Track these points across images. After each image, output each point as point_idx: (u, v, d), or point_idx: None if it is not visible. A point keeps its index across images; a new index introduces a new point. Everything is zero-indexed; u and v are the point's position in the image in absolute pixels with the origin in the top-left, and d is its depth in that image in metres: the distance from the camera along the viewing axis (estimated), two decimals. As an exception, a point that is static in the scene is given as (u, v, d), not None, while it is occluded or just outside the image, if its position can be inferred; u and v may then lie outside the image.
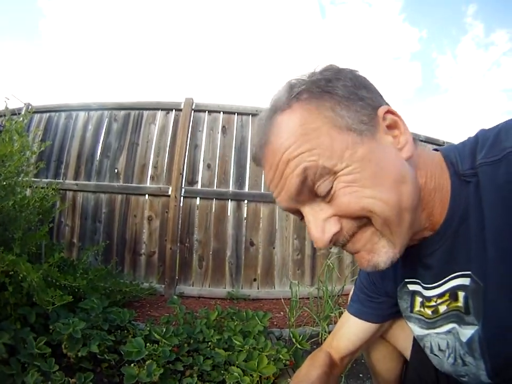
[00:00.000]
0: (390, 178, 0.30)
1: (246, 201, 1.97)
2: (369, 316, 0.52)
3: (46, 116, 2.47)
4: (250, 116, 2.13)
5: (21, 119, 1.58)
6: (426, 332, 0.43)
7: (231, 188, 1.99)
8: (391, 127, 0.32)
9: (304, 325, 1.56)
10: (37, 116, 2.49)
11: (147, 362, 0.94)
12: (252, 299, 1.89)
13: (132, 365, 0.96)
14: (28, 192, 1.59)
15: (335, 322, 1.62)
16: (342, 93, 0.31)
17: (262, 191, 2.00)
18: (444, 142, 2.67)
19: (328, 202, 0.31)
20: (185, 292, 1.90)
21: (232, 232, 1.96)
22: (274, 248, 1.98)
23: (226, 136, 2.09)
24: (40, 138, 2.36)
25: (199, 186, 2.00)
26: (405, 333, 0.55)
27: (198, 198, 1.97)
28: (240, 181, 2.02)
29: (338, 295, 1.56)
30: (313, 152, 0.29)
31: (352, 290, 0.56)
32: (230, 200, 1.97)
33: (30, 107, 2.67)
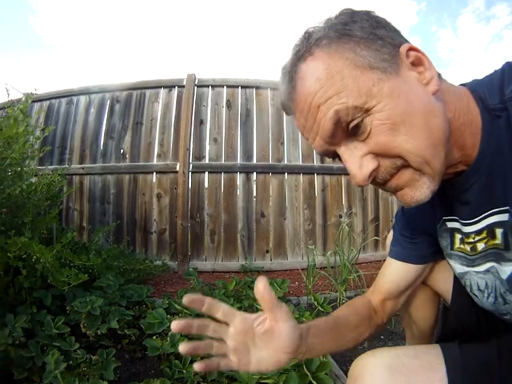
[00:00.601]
0: (420, 113, 0.29)
1: (254, 173, 1.89)
2: (409, 257, 0.50)
3: (46, 103, 2.37)
4: (255, 88, 2.04)
5: (22, 106, 1.51)
6: (467, 269, 0.42)
7: (239, 161, 1.92)
8: (415, 64, 0.31)
9: (321, 292, 1.52)
10: (37, 105, 2.39)
11: (170, 333, 0.88)
12: (265, 271, 1.83)
13: (154, 337, 0.91)
14: (34, 180, 1.53)
15: (354, 287, 1.60)
16: (360, 34, 0.30)
17: (271, 162, 1.93)
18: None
19: (363, 141, 0.30)
20: (198, 267, 1.84)
21: (242, 205, 1.89)
22: (285, 219, 1.91)
23: (231, 110, 2.00)
24: (42, 126, 2.28)
25: (206, 160, 1.91)
26: (445, 276, 0.53)
27: (206, 173, 1.89)
28: (247, 154, 1.94)
29: (353, 264, 1.50)
30: (342, 95, 0.29)
31: (391, 235, 0.54)
32: (238, 172, 1.89)
33: (29, 112, 2.57)
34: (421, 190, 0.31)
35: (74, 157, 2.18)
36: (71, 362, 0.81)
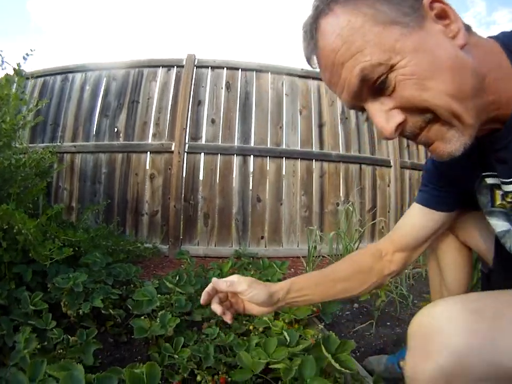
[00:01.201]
0: (447, 68, 0.28)
1: (252, 157, 1.78)
2: (435, 203, 0.48)
3: (40, 80, 2.23)
4: (255, 72, 1.93)
5: (16, 68, 1.39)
6: (509, 226, 0.39)
7: (237, 143, 1.81)
8: (440, 16, 0.30)
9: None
10: (31, 82, 2.26)
11: (160, 313, 0.76)
12: (259, 257, 1.73)
13: (143, 317, 0.78)
14: (24, 157, 1.41)
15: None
16: None
17: (269, 146, 1.83)
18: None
19: (389, 96, 0.30)
20: (190, 251, 1.71)
21: (238, 188, 1.77)
22: (281, 204, 1.80)
23: (230, 92, 1.89)
24: (37, 107, 2.15)
25: (203, 141, 1.79)
26: (483, 235, 0.51)
27: (202, 154, 1.77)
28: (245, 137, 1.83)
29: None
30: (365, 52, 0.28)
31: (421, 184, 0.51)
32: (235, 155, 1.78)
33: (24, 73, 2.45)
34: (451, 143, 0.30)
35: (67, 135, 2.04)
36: (46, 343, 0.69)
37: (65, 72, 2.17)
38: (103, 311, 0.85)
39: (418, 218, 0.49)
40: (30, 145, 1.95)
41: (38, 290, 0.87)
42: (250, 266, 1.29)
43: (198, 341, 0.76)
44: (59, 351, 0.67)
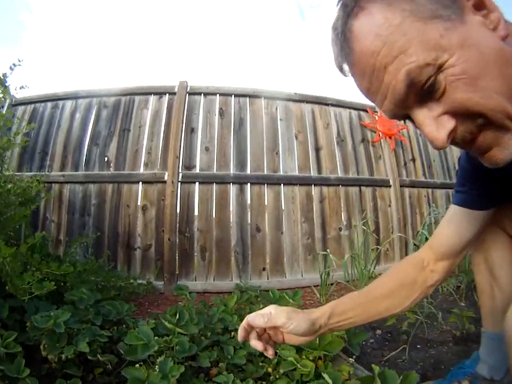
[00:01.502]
0: (494, 63, 0.25)
1: (248, 184, 1.69)
2: (477, 203, 0.45)
3: (30, 107, 2.13)
4: (248, 97, 1.88)
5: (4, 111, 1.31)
6: None
7: (232, 171, 1.73)
8: (478, 6, 0.26)
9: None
10: (21, 108, 2.16)
11: (159, 359, 0.62)
12: (263, 290, 1.61)
13: (138, 365, 0.63)
14: (9, 186, 1.30)
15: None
16: None
17: (266, 172, 1.76)
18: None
19: (438, 101, 0.26)
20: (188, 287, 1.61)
21: (236, 219, 1.67)
22: (282, 233, 1.70)
23: (224, 118, 1.83)
24: (24, 130, 2.05)
25: (197, 170, 1.69)
26: None
27: (197, 183, 1.67)
28: (241, 164, 1.75)
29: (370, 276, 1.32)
30: (409, 52, 0.25)
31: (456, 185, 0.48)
32: (231, 183, 1.69)
33: (13, 99, 2.35)
34: (508, 149, 0.27)
35: (56, 164, 1.92)
36: None
37: (55, 99, 2.08)
38: (89, 357, 0.71)
39: (460, 221, 0.46)
40: (17, 173, 1.83)
41: (16, 329, 0.73)
42: (258, 299, 1.16)
43: None
44: None
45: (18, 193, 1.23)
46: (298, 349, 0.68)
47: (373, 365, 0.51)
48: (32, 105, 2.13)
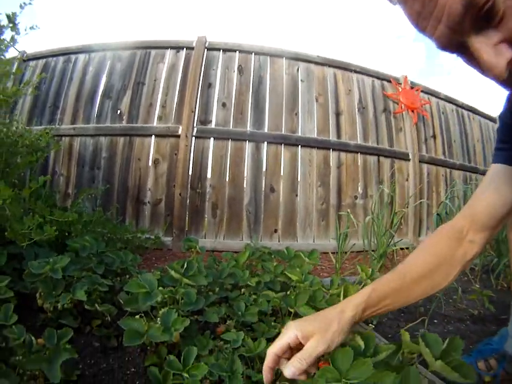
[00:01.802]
0: None
1: (265, 143, 1.63)
2: None
3: (42, 61, 2.07)
4: (269, 56, 1.79)
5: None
6: None
7: (249, 128, 1.65)
8: None
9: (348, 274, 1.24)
10: (32, 63, 2.10)
11: (161, 311, 0.55)
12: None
13: (138, 316, 0.56)
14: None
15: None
16: None
17: (283, 132, 1.68)
18: (462, 103, 2.42)
19: (496, 28, 0.23)
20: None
21: (250, 177, 1.60)
22: (296, 195, 1.63)
23: (243, 76, 1.74)
24: (35, 80, 1.98)
25: (213, 125, 1.63)
26: None
27: (212, 139, 1.61)
28: (258, 122, 1.67)
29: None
30: None
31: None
32: (247, 141, 1.62)
33: (25, 54, 2.28)
34: None
35: (66, 118, 1.86)
36: (3, 344, 0.49)
37: (68, 53, 2.01)
38: (86, 306, 0.65)
39: (502, 182, 0.40)
40: (27, 127, 1.78)
41: (14, 278, 0.68)
42: (272, 256, 1.10)
43: (214, 350, 0.56)
44: (18, 358, 0.46)
45: (27, 145, 1.17)
46: (317, 308, 0.62)
47: (402, 331, 0.44)
48: (44, 60, 2.06)
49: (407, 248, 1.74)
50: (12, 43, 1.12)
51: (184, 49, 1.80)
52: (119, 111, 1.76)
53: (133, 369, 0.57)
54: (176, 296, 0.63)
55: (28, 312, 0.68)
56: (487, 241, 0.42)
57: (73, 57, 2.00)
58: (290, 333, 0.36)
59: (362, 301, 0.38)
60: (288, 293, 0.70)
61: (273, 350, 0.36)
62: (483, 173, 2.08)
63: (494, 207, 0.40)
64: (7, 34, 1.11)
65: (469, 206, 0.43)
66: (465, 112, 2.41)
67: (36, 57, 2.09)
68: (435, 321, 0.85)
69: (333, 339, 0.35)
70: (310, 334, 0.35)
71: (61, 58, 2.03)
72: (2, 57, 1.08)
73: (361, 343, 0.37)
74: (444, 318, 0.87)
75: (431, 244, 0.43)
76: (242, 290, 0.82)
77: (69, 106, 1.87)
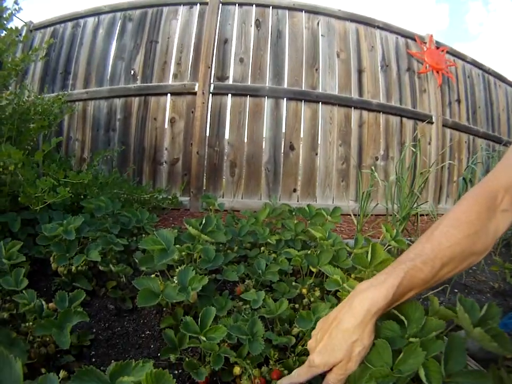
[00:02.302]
0: None
1: (284, 100, 1.56)
2: None
3: (50, 29, 2.00)
4: (288, 10, 1.68)
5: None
6: None
7: (268, 84, 1.58)
8: None
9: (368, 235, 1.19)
10: (39, 33, 2.04)
11: (178, 269, 0.50)
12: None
13: (153, 275, 0.52)
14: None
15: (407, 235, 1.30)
16: None
17: (304, 88, 1.60)
18: (489, 69, 2.27)
19: None
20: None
21: (269, 135, 1.54)
22: (316, 154, 1.58)
23: (260, 30, 1.65)
24: (44, 46, 1.92)
25: (230, 81, 1.55)
26: None
27: (230, 95, 1.54)
28: (277, 78, 1.59)
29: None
30: None
31: None
32: (266, 97, 1.54)
33: (32, 25, 2.21)
34: None
35: (78, 82, 1.82)
36: (14, 310, 0.47)
37: (76, 18, 1.93)
38: (100, 267, 0.62)
39: None
40: (38, 96, 1.75)
41: (28, 244, 0.66)
42: (293, 214, 1.05)
43: (232, 311, 0.53)
44: (28, 324, 0.44)
45: (39, 112, 1.12)
46: (341, 268, 0.58)
47: (430, 296, 0.40)
48: (52, 28, 1.99)
49: (426, 215, 1.67)
50: (16, 10, 1.05)
51: (198, 4, 1.70)
52: (132, 71, 1.70)
53: (148, 332, 0.55)
54: (193, 254, 0.59)
55: (42, 277, 0.66)
56: None
57: (81, 21, 1.93)
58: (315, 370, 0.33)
59: (388, 291, 0.31)
60: (309, 252, 0.66)
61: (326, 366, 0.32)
62: (506, 144, 1.97)
63: None
64: (10, 0, 1.05)
65: (505, 168, 0.34)
66: (491, 79, 2.27)
67: (43, 26, 2.02)
68: (455, 290, 0.82)
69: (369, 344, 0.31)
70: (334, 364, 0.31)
71: (69, 24, 1.95)
72: (7, 25, 1.02)
73: (403, 318, 0.32)
74: (465, 288, 0.84)
75: (462, 219, 0.34)
76: (262, 249, 0.79)
77: (80, 71, 1.82)
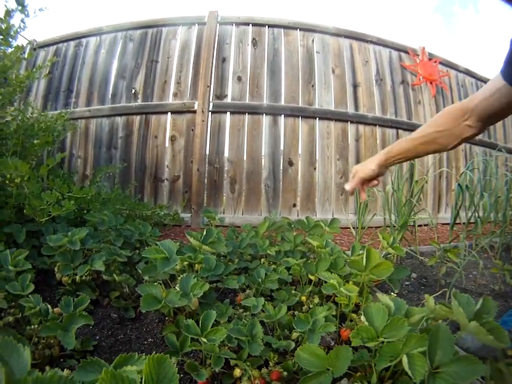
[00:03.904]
0: None
1: (282, 116, 1.58)
2: None
3: (53, 48, 2.04)
4: (283, 28, 1.72)
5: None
6: None
7: (266, 101, 1.59)
8: None
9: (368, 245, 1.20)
10: (43, 51, 2.08)
11: (180, 277, 0.52)
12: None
13: (156, 283, 0.53)
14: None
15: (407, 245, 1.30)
16: None
17: (300, 105, 1.62)
18: (481, 77, 2.29)
19: None
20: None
21: (268, 151, 1.56)
22: (315, 169, 1.59)
23: (257, 49, 1.68)
24: (47, 64, 1.95)
25: (229, 100, 1.58)
26: None
27: (229, 113, 1.56)
28: (275, 95, 1.61)
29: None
30: None
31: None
32: (264, 114, 1.56)
33: (35, 43, 2.25)
34: None
35: (81, 100, 1.84)
36: (19, 314, 0.48)
37: (78, 37, 1.97)
38: (105, 277, 0.63)
39: (504, 95, 0.42)
40: (42, 113, 1.77)
41: (33, 255, 0.68)
42: (292, 225, 1.07)
43: (233, 317, 0.54)
44: (33, 327, 0.45)
45: (43, 128, 1.15)
46: (339, 275, 0.59)
47: (426, 296, 0.41)
48: (54, 46, 2.03)
49: (426, 225, 1.67)
50: (21, 28, 1.07)
51: (196, 25, 1.74)
52: (133, 90, 1.72)
53: (150, 340, 0.55)
54: (195, 264, 0.60)
55: (46, 287, 0.68)
56: (479, 132, 0.48)
57: (84, 41, 1.96)
58: (368, 171, 0.58)
59: (388, 150, 0.57)
60: (308, 261, 0.68)
61: (363, 175, 0.58)
62: (501, 149, 1.98)
63: (492, 109, 0.44)
64: (16, 19, 1.08)
65: (476, 97, 0.46)
66: (483, 86, 2.29)
67: (47, 44, 2.06)
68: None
69: (375, 165, 0.57)
70: (376, 166, 0.57)
71: (72, 43, 1.99)
72: (12, 43, 1.05)
73: (391, 304, 0.33)
74: (465, 292, 0.82)
75: (435, 120, 0.52)
76: (262, 260, 0.80)
77: (82, 89, 1.85)
